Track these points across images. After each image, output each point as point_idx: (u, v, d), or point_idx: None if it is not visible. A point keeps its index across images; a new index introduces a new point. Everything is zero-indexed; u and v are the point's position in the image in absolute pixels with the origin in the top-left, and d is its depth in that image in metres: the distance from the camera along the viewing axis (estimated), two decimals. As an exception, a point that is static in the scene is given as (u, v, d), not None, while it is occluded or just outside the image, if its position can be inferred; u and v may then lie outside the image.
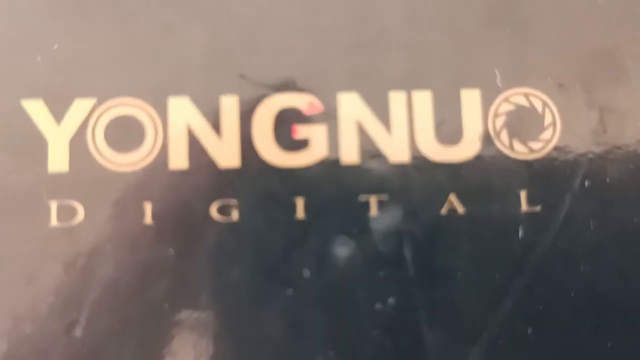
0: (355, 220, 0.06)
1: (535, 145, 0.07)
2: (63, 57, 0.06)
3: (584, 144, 0.07)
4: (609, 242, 0.06)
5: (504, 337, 0.06)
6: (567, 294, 0.07)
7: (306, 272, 0.06)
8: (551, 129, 0.07)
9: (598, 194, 0.07)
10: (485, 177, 0.06)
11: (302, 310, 0.06)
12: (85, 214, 0.06)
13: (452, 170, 0.06)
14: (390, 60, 0.06)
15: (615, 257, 0.06)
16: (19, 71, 0.06)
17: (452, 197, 0.06)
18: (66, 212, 0.06)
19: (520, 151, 0.07)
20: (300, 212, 0.06)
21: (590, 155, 0.07)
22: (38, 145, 0.06)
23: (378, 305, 0.06)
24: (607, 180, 0.07)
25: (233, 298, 0.06)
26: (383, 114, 0.06)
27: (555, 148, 0.07)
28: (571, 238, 0.07)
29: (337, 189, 0.06)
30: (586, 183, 0.07)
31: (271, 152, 0.06)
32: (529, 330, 0.07)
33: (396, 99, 0.06)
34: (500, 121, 0.07)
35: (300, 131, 0.06)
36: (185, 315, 0.06)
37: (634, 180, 0.07)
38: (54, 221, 0.06)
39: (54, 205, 0.06)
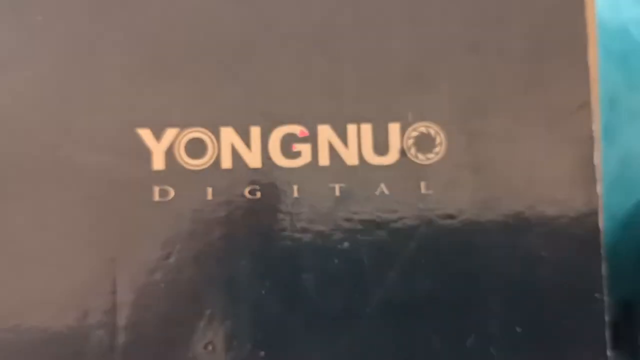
0: (322, 200, 0.11)
1: (430, 155, 0.11)
2: (160, 101, 0.11)
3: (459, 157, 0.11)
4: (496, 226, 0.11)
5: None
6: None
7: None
8: (439, 147, 0.11)
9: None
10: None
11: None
12: (175, 194, 0.11)
13: (383, 169, 0.11)
14: (348, 105, 0.11)
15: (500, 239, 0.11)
16: (135, 106, 0.11)
17: (382, 185, 0.11)
18: (163, 193, 0.11)
19: (421, 159, 0.11)
20: (295, 193, 0.11)
21: (464, 164, 0.11)
22: (146, 154, 0.11)
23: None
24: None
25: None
26: (344, 138, 0.11)
27: (442, 158, 0.11)
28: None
29: (315, 181, 0.11)
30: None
31: (279, 158, 0.11)
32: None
33: (352, 129, 0.11)
34: (410, 141, 0.11)
35: (296, 147, 0.11)
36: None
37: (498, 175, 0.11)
38: (156, 197, 0.11)
39: (156, 189, 0.11)
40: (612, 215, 0.19)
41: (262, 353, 0.11)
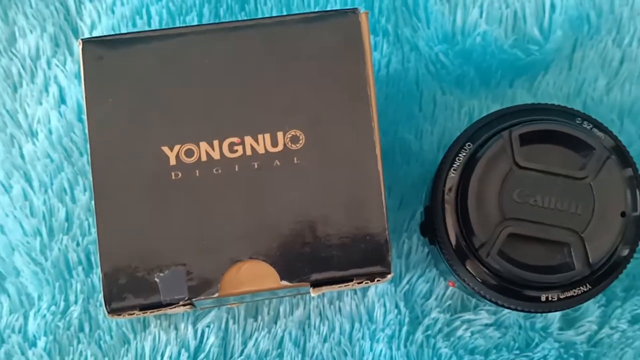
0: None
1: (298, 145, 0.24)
2: (180, 128, 0.23)
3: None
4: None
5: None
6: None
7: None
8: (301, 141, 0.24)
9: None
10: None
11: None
12: (182, 175, 0.23)
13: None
14: (257, 125, 0.23)
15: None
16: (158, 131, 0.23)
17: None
18: (176, 175, 0.23)
19: (293, 147, 0.24)
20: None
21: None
22: (166, 163, 0.23)
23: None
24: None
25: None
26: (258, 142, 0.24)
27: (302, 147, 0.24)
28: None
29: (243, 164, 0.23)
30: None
31: (227, 153, 0.24)
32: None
33: (260, 136, 0.23)
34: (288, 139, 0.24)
35: (235, 147, 0.24)
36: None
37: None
38: (172, 177, 0.23)
39: (172, 173, 0.23)
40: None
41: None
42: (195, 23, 0.32)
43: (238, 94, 0.23)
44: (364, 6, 0.32)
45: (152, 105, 0.23)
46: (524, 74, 0.32)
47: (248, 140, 0.23)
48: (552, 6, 0.32)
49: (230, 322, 0.31)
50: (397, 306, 0.31)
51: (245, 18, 0.32)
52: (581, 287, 0.26)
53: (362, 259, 0.24)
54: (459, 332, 0.31)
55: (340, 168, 0.23)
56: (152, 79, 0.23)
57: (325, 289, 0.24)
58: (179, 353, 0.31)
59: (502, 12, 0.32)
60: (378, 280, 0.24)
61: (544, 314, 0.31)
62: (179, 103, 0.23)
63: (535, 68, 0.32)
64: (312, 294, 0.24)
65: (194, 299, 0.23)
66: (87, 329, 0.31)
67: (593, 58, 0.32)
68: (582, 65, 0.32)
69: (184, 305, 0.23)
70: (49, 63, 0.32)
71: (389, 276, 0.24)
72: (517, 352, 0.31)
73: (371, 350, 0.31)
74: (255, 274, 0.23)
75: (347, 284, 0.24)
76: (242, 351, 0.31)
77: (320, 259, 0.23)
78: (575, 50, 0.32)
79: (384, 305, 0.31)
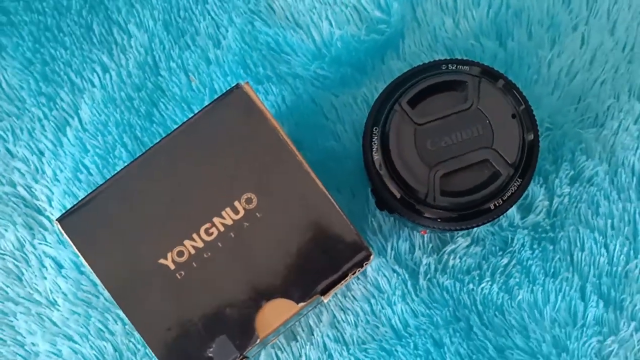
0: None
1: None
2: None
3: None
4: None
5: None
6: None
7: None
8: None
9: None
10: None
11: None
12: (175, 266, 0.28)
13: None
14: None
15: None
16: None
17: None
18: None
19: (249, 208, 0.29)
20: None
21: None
22: (168, 270, 0.28)
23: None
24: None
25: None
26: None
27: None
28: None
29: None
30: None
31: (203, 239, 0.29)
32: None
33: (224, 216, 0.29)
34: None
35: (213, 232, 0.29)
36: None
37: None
38: (172, 266, 0.28)
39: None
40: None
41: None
42: (123, 153, 0.37)
43: (191, 192, 0.28)
44: (240, 68, 0.38)
45: (136, 232, 0.28)
46: (387, 49, 0.38)
47: (216, 220, 0.28)
48: (381, -14, 0.38)
49: (279, 352, 0.36)
50: (394, 271, 0.37)
51: (158, 129, 0.37)
52: (514, 184, 0.32)
53: (346, 255, 0.29)
54: (450, 263, 0.37)
55: (292, 203, 0.29)
56: (123, 214, 0.28)
57: (333, 291, 0.29)
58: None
59: (345, 13, 0.38)
60: (366, 263, 0.29)
61: (504, 215, 0.37)
62: (154, 221, 0.28)
63: (394, 40, 0.38)
64: (325, 300, 0.30)
65: (245, 352, 0.28)
66: None
67: (432, 8, 0.38)
68: (427, 18, 0.38)
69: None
70: (33, 245, 0.37)
71: (372, 256, 0.29)
72: (500, 252, 0.37)
73: (394, 313, 0.37)
74: (277, 309, 0.28)
75: (345, 278, 0.29)
76: (300, 370, 0.37)
77: (316, 273, 0.29)
78: (416, 10, 0.38)
79: (385, 276, 0.37)
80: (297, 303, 0.28)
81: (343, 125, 0.38)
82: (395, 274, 0.37)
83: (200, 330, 0.28)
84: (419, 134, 0.32)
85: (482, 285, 0.37)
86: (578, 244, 0.37)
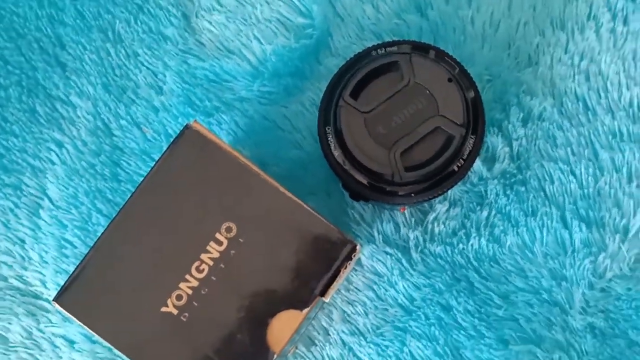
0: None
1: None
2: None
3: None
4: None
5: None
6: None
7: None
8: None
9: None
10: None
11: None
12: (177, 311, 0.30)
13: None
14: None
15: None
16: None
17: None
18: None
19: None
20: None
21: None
22: (172, 315, 0.29)
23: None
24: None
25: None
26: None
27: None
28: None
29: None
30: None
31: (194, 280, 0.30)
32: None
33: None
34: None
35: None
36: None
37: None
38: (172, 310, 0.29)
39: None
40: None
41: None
42: (100, 219, 0.38)
43: (173, 237, 0.29)
44: (187, 107, 0.39)
45: (132, 289, 0.29)
46: (320, 50, 0.39)
47: (204, 256, 0.29)
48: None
49: (300, 360, 0.38)
50: (386, 253, 0.38)
51: (126, 186, 0.38)
52: (469, 141, 0.33)
53: (333, 253, 0.30)
54: (436, 230, 0.38)
55: (269, 220, 0.30)
56: (115, 276, 0.29)
57: (332, 290, 0.31)
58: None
59: (271, 28, 0.39)
60: (354, 255, 0.31)
61: (471, 171, 0.39)
62: (145, 274, 0.29)
63: (323, 40, 0.39)
64: (327, 299, 0.31)
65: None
66: None
67: (350, 0, 0.40)
68: (347, 11, 0.40)
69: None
70: (40, 330, 0.38)
71: (358, 246, 0.31)
72: (479, 207, 0.39)
73: (398, 292, 0.38)
74: (285, 322, 0.30)
75: (339, 274, 0.30)
76: (324, 371, 0.38)
77: (310, 277, 0.30)
78: (335, 6, 0.40)
79: (379, 260, 0.38)
80: (302, 310, 0.30)
81: (300, 132, 0.39)
82: (388, 256, 0.38)
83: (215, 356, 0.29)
84: (369, 122, 0.33)
85: (471, 242, 0.38)
86: (547, 178, 0.38)
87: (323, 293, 0.30)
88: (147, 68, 0.39)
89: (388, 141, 0.33)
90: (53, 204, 0.38)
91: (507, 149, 0.39)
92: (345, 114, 0.33)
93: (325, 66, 0.39)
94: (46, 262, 0.38)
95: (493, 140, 0.39)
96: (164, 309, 0.29)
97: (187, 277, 0.29)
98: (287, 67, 0.39)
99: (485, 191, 0.39)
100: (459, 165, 0.34)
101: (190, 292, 0.29)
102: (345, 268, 0.30)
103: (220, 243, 0.30)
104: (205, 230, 0.30)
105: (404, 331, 0.38)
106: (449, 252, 0.38)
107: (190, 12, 0.39)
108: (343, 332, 0.38)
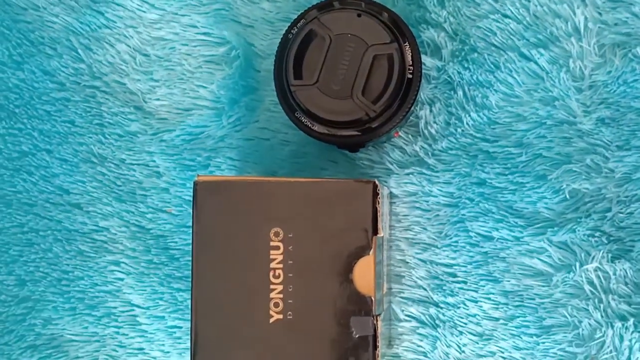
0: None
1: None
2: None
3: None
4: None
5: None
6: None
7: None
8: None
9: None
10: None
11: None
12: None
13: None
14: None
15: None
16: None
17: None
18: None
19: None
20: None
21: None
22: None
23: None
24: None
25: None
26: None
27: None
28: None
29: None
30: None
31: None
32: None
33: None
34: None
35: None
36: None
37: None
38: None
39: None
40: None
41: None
42: (182, 297, 0.43)
43: (241, 265, 0.34)
44: (184, 173, 0.43)
45: (240, 326, 0.34)
46: (252, 60, 0.43)
47: (273, 264, 0.34)
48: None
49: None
50: (407, 174, 0.42)
51: (183, 260, 0.43)
52: (406, 49, 0.35)
53: (363, 198, 0.35)
54: (433, 130, 0.42)
55: (301, 209, 0.35)
56: (221, 324, 0.34)
57: (380, 227, 0.35)
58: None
59: (204, 71, 0.42)
60: (379, 189, 0.35)
61: (427, 69, 0.43)
62: (241, 307, 0.34)
63: (248, 51, 0.42)
64: (381, 234, 0.35)
65: (374, 313, 0.34)
66: None
67: (251, 11, 0.44)
68: (250, 18, 0.41)
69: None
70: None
71: (376, 181, 0.35)
72: (452, 91, 0.41)
73: (436, 196, 0.41)
74: (364, 269, 0.34)
75: (378, 211, 0.35)
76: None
77: (360, 225, 0.34)
78: (240, 21, 0.43)
79: (406, 183, 0.42)
80: (369, 253, 0.34)
81: (281, 132, 0.43)
82: (409, 175, 0.43)
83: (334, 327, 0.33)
84: (322, 87, 0.37)
85: (465, 121, 0.42)
86: (488, 33, 0.40)
87: (375, 232, 0.35)
88: (138, 164, 0.44)
89: (346, 91, 0.37)
90: (142, 308, 0.43)
91: (442, 34, 0.42)
92: (300, 93, 0.37)
93: (264, 69, 0.44)
94: (168, 352, 0.43)
95: (428, 34, 0.42)
96: (272, 320, 0.34)
97: (272, 286, 0.34)
98: (236, 91, 0.44)
99: (449, 76, 0.42)
100: (411, 72, 0.37)
101: (281, 295, 0.34)
102: (379, 204, 0.35)
103: (277, 248, 0.34)
104: (261, 245, 0.34)
105: (461, 221, 0.42)
106: (454, 140, 0.42)
107: (138, 102, 0.44)
108: (417, 253, 0.43)
